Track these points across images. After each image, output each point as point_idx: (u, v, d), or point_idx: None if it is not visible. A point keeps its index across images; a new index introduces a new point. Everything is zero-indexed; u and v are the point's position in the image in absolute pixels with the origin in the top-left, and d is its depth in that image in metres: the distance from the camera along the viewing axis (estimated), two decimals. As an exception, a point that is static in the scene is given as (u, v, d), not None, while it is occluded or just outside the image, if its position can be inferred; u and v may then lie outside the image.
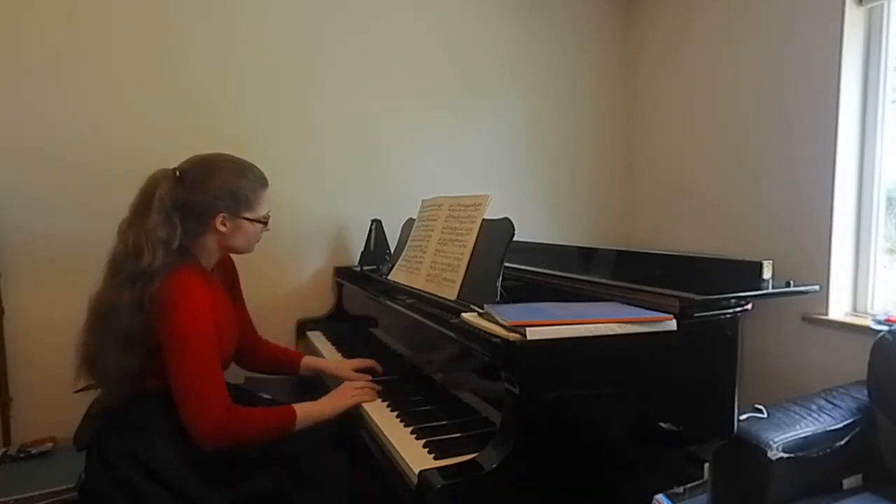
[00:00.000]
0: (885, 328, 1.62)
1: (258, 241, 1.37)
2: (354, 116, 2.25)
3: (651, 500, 1.24)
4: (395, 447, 1.13)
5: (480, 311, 1.18)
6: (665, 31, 2.61)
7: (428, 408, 1.31)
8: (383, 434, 1.20)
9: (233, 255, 1.50)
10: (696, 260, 1.54)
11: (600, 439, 1.13)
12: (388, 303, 1.57)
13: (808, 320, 2.01)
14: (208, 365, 1.15)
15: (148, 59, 1.92)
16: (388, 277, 1.77)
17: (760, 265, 1.30)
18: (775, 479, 1.37)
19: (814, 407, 1.55)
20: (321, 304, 2.23)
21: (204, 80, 2.00)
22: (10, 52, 1.76)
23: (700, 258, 1.55)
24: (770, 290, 1.24)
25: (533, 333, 1.00)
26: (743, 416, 1.42)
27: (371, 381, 1.49)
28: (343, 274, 2.17)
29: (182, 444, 1.14)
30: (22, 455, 1.65)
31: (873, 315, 1.88)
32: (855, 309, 2.00)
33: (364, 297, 1.86)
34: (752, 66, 2.19)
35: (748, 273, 1.33)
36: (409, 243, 1.78)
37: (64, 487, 1.46)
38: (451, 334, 1.20)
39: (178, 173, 1.24)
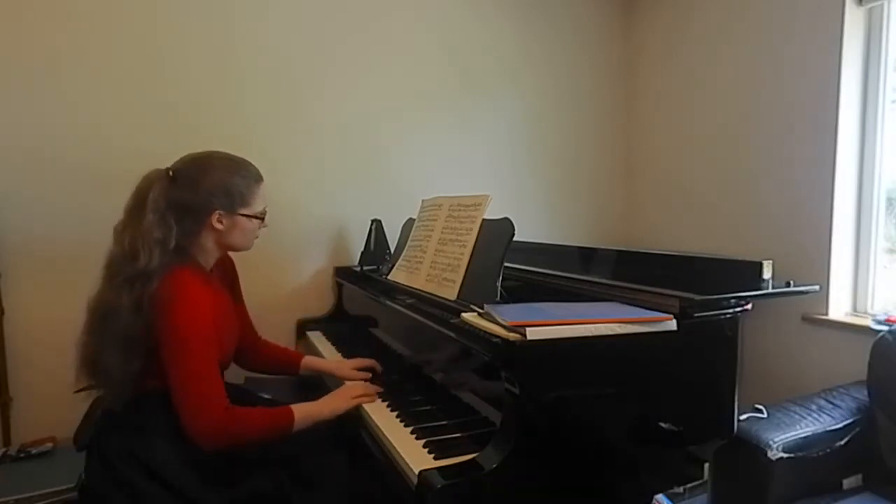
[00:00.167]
0: (885, 328, 1.62)
1: (256, 237, 1.37)
2: (354, 116, 2.25)
3: (651, 500, 1.24)
4: (395, 447, 1.13)
5: (480, 311, 1.18)
6: (665, 31, 2.61)
7: (428, 408, 1.31)
8: (383, 434, 1.20)
9: (232, 255, 1.50)
10: (696, 260, 1.54)
11: (600, 439, 1.13)
12: (388, 303, 1.57)
13: (808, 320, 2.01)
14: (206, 365, 1.15)
15: (148, 59, 1.92)
16: (388, 277, 1.77)
17: (760, 265, 1.30)
18: (775, 479, 1.37)
19: (814, 407, 1.55)
20: (321, 304, 2.23)
21: (204, 80, 2.00)
22: (10, 52, 1.76)
23: (700, 258, 1.55)
24: (770, 290, 1.24)
25: (533, 333, 1.00)
26: (743, 416, 1.42)
27: (371, 381, 1.49)
28: (343, 274, 2.17)
29: (182, 444, 1.14)
30: (22, 455, 1.65)
31: (873, 315, 1.88)
32: (855, 309, 2.00)
33: (364, 297, 1.86)
34: (752, 66, 2.19)
35: (748, 273, 1.33)
36: (409, 243, 1.78)
37: (64, 487, 1.46)
38: (451, 334, 1.20)
39: (171, 173, 1.23)
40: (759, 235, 2.19)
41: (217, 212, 1.25)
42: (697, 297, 1.11)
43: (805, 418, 1.49)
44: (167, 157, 1.30)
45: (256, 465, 1.23)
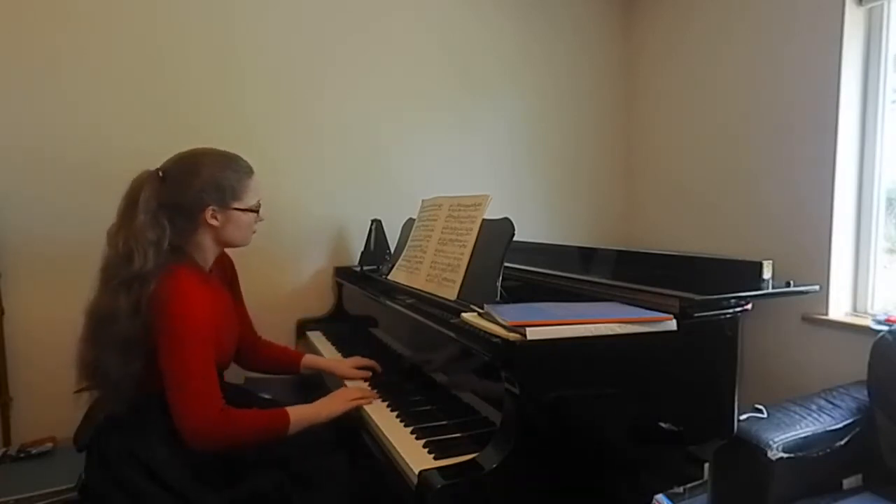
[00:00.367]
0: (885, 328, 1.63)
1: (254, 232, 1.36)
2: (354, 116, 2.25)
3: (651, 500, 1.24)
4: (395, 447, 1.13)
5: (480, 311, 1.18)
6: (665, 31, 2.61)
7: (428, 408, 1.31)
8: (383, 434, 1.20)
9: (232, 255, 1.50)
10: (696, 260, 1.54)
11: (600, 439, 1.13)
12: (388, 303, 1.57)
13: (808, 320, 2.01)
14: (202, 364, 1.14)
15: (148, 59, 1.92)
16: (388, 277, 1.77)
17: (760, 265, 1.30)
18: (775, 479, 1.37)
19: (814, 407, 1.55)
20: (321, 304, 2.23)
21: (204, 80, 2.00)
22: (10, 52, 1.76)
23: (700, 258, 1.55)
24: (770, 290, 1.24)
25: (533, 333, 1.00)
26: (743, 416, 1.42)
27: (370, 380, 1.49)
28: (343, 274, 2.17)
29: (182, 445, 1.14)
30: (22, 455, 1.65)
31: (873, 315, 1.88)
32: (855, 309, 2.00)
33: (364, 297, 1.86)
34: (752, 66, 2.19)
35: (748, 273, 1.33)
36: (409, 243, 1.78)
37: (64, 487, 1.46)
38: (451, 334, 1.20)
39: (160, 173, 1.23)
40: (759, 235, 2.19)
41: (210, 207, 1.24)
42: (697, 297, 1.11)
43: (805, 418, 1.49)
44: (167, 157, 1.29)
45: (256, 466, 1.23)
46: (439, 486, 0.94)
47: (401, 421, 1.25)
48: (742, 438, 1.37)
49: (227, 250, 1.44)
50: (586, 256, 1.87)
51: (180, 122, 1.94)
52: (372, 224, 2.14)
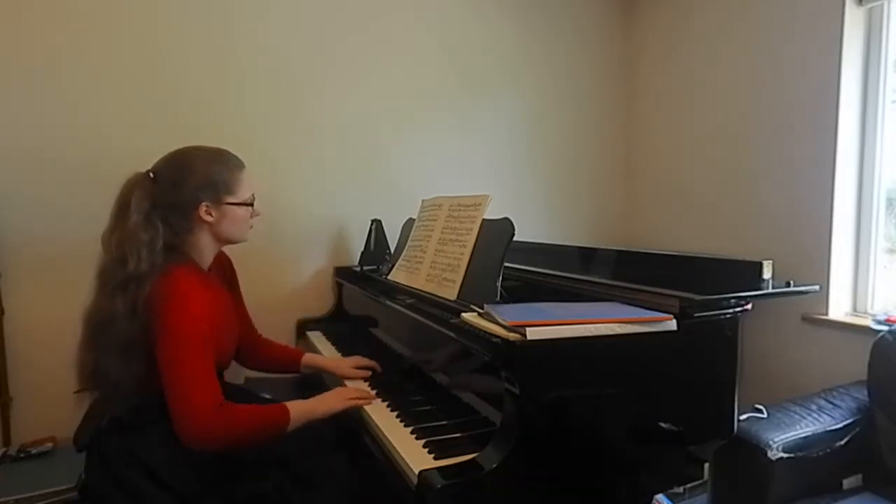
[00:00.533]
0: (885, 328, 1.62)
1: (251, 226, 1.36)
2: (354, 116, 2.25)
3: (651, 500, 1.24)
4: (395, 447, 1.13)
5: (480, 311, 1.18)
6: (665, 31, 2.61)
7: (428, 408, 1.31)
8: (383, 434, 1.20)
9: (232, 256, 1.50)
10: (696, 260, 1.54)
11: (600, 439, 1.13)
12: (388, 303, 1.57)
13: (808, 320, 2.01)
14: (201, 361, 1.13)
15: (148, 59, 1.92)
16: (388, 277, 1.77)
17: (760, 265, 1.30)
18: (775, 479, 1.37)
19: (814, 407, 1.55)
20: (321, 304, 2.23)
21: (204, 80, 2.00)
22: (10, 52, 1.76)
23: (700, 258, 1.55)
24: (770, 290, 1.24)
25: (533, 333, 1.00)
26: (743, 416, 1.42)
27: (370, 380, 1.49)
28: (343, 274, 2.17)
29: (182, 446, 1.14)
30: (22, 455, 1.65)
31: (873, 315, 1.88)
32: (855, 309, 2.00)
33: (364, 297, 1.86)
34: (752, 66, 2.19)
35: (748, 273, 1.33)
36: (409, 243, 1.78)
37: (64, 487, 1.46)
38: (451, 334, 1.20)
39: (151, 175, 1.23)
40: (759, 235, 2.19)
41: (203, 203, 1.24)
42: (697, 297, 1.11)
43: (805, 418, 1.49)
44: (166, 158, 1.30)
45: (256, 466, 1.23)
46: (439, 486, 0.94)
47: (401, 421, 1.25)
48: (742, 438, 1.37)
49: (225, 250, 1.44)
50: (586, 256, 1.87)
51: (180, 122, 1.94)
52: (372, 224, 2.14)
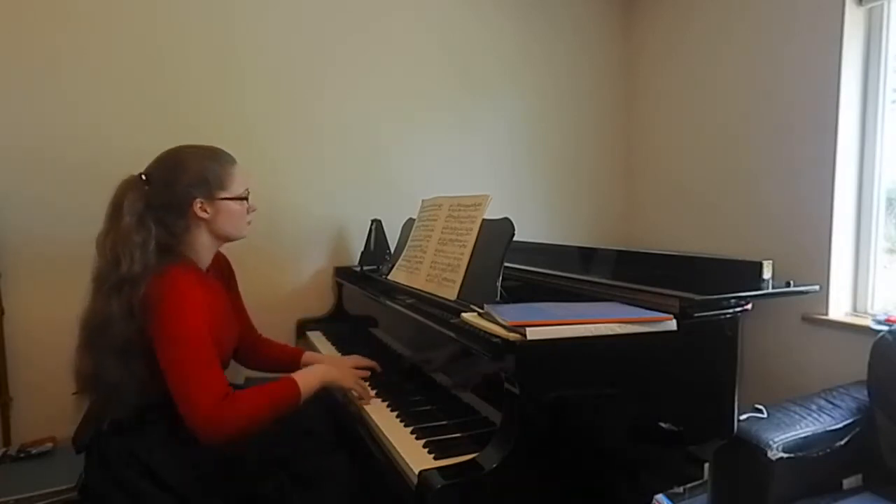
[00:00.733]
0: (885, 328, 1.62)
1: (249, 222, 1.35)
2: (354, 116, 2.25)
3: (651, 500, 1.24)
4: (395, 447, 1.13)
5: (480, 311, 1.18)
6: (665, 31, 2.61)
7: (428, 408, 1.31)
8: (383, 434, 1.20)
9: (232, 256, 1.50)
10: (696, 260, 1.54)
11: (600, 439, 1.13)
12: (388, 303, 1.57)
13: (808, 320, 2.01)
14: (204, 360, 1.13)
15: (148, 59, 1.92)
16: (388, 277, 1.77)
17: (760, 265, 1.30)
18: (775, 479, 1.37)
19: (814, 407, 1.55)
20: (321, 304, 2.23)
21: (204, 80, 2.00)
22: (10, 52, 1.76)
23: (700, 258, 1.55)
24: (770, 290, 1.24)
25: (533, 333, 1.00)
26: (743, 416, 1.42)
27: (370, 380, 1.49)
28: (343, 274, 2.17)
29: (182, 447, 1.14)
30: (22, 455, 1.65)
31: (873, 315, 1.88)
32: (855, 309, 2.00)
33: (364, 297, 1.86)
34: (752, 66, 2.19)
35: (748, 273, 1.33)
36: (409, 243, 1.78)
37: (64, 487, 1.46)
38: (451, 334, 1.20)
39: (143, 176, 1.23)
40: (759, 235, 2.19)
41: (197, 200, 1.24)
42: (697, 297, 1.11)
43: (805, 418, 1.49)
44: (167, 158, 1.29)
45: (256, 466, 1.23)
46: (439, 486, 0.94)
47: (401, 421, 1.25)
48: (742, 438, 1.37)
49: (225, 250, 1.44)
50: (586, 256, 1.87)
51: (180, 122, 1.94)
52: (372, 224, 2.14)
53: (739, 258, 1.43)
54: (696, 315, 1.12)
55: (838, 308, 1.98)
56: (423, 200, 1.84)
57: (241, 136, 1.98)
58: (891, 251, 1.96)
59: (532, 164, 2.62)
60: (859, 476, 1.53)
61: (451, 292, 1.41)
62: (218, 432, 1.09)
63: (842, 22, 1.89)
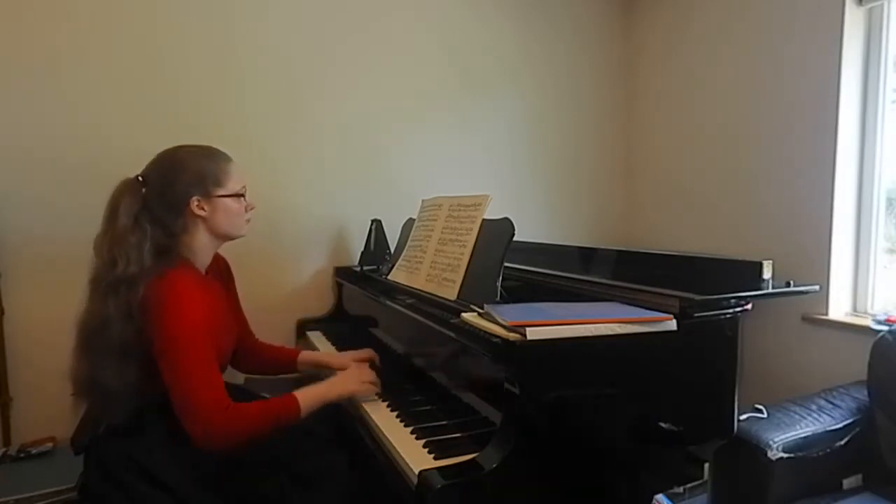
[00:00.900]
0: (885, 328, 1.62)
1: (247, 220, 1.35)
2: (354, 116, 2.25)
3: (651, 500, 1.24)
4: (395, 447, 1.13)
5: (480, 311, 1.18)
6: (665, 31, 2.61)
7: (428, 408, 1.31)
8: (383, 434, 1.20)
9: (232, 256, 1.50)
10: (696, 260, 1.54)
11: (600, 439, 1.13)
12: (388, 303, 1.57)
13: (808, 320, 2.01)
14: (204, 365, 1.13)
15: (148, 59, 1.92)
16: (388, 277, 1.77)
17: (760, 265, 1.30)
18: (775, 479, 1.37)
19: (814, 407, 1.55)
20: (321, 304, 2.23)
21: (204, 80, 2.00)
22: (10, 52, 1.76)
23: (700, 258, 1.55)
24: (770, 290, 1.24)
25: (533, 333, 1.00)
26: (743, 416, 1.42)
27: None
28: (343, 274, 2.17)
29: (181, 448, 1.13)
30: (22, 455, 1.65)
31: (873, 315, 1.88)
32: (855, 309, 2.00)
33: (364, 297, 1.86)
34: (752, 66, 2.19)
35: (748, 273, 1.33)
36: (409, 243, 1.78)
37: (64, 487, 1.46)
38: (451, 334, 1.20)
39: (140, 178, 1.23)
40: (759, 235, 2.19)
41: (194, 198, 1.23)
42: (697, 297, 1.11)
43: (805, 418, 1.49)
44: (167, 158, 1.29)
45: (256, 467, 1.23)
46: (439, 486, 0.94)
47: (401, 421, 1.25)
48: (742, 438, 1.37)
49: (225, 250, 1.43)
50: (586, 256, 1.87)
51: (180, 122, 1.94)
52: (372, 224, 2.14)
53: (739, 258, 1.43)
54: (696, 315, 1.12)
55: (838, 308, 1.98)
56: (423, 200, 1.84)
57: (241, 136, 1.98)
58: (891, 251, 1.96)
59: (532, 164, 2.62)
60: (859, 476, 1.53)
61: (451, 292, 1.41)
62: (215, 444, 1.11)
63: (842, 22, 1.89)
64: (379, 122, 2.29)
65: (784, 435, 1.40)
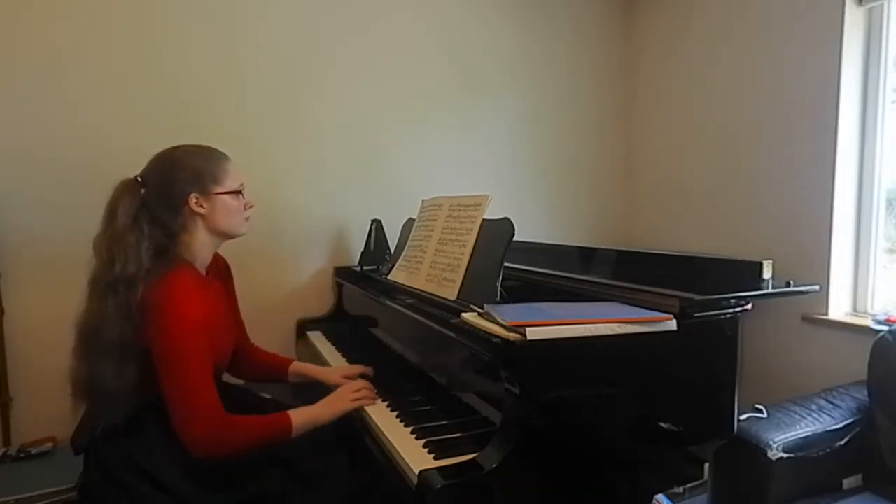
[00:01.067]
0: (885, 328, 1.62)
1: (247, 218, 1.34)
2: (354, 116, 2.25)
3: (651, 500, 1.24)
4: (395, 447, 1.13)
5: (480, 311, 1.18)
6: (665, 31, 2.61)
7: (428, 408, 1.31)
8: (383, 434, 1.20)
9: (231, 256, 1.50)
10: (696, 260, 1.54)
11: (600, 439, 1.13)
12: (388, 303, 1.57)
13: (808, 320, 2.01)
14: (200, 375, 1.13)
15: (148, 59, 1.92)
16: (388, 277, 1.77)
17: (760, 265, 1.30)
18: (775, 479, 1.37)
19: (814, 407, 1.55)
20: (321, 304, 2.23)
21: (204, 80, 2.00)
22: (10, 52, 1.76)
23: (700, 258, 1.55)
24: (770, 290, 1.24)
25: (533, 333, 1.00)
26: (743, 416, 1.42)
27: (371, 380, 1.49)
28: (343, 274, 2.17)
29: (181, 448, 1.13)
30: (22, 455, 1.65)
31: (873, 315, 1.88)
32: (855, 309, 2.00)
33: (364, 297, 1.86)
34: (752, 66, 2.19)
35: (748, 273, 1.33)
36: (409, 243, 1.78)
37: (64, 487, 1.46)
38: (451, 334, 1.20)
39: (138, 179, 1.23)
40: (759, 235, 2.19)
41: (192, 196, 1.23)
42: (697, 297, 1.11)
43: (805, 418, 1.49)
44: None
45: (256, 467, 1.23)
46: (439, 486, 0.94)
47: (401, 421, 1.25)
48: (742, 438, 1.37)
49: (225, 250, 1.43)
50: (586, 256, 1.87)
51: (180, 122, 1.94)
52: (372, 224, 2.14)
53: (739, 258, 1.43)
54: (696, 315, 1.12)
55: (838, 308, 1.98)
56: (423, 200, 1.84)
57: (240, 136, 1.98)
58: (891, 251, 1.96)
59: (532, 164, 2.62)
60: (859, 476, 1.53)
61: (451, 292, 1.41)
62: (204, 452, 1.12)
63: (842, 22, 1.89)
64: (379, 122, 2.29)
65: (784, 435, 1.40)
